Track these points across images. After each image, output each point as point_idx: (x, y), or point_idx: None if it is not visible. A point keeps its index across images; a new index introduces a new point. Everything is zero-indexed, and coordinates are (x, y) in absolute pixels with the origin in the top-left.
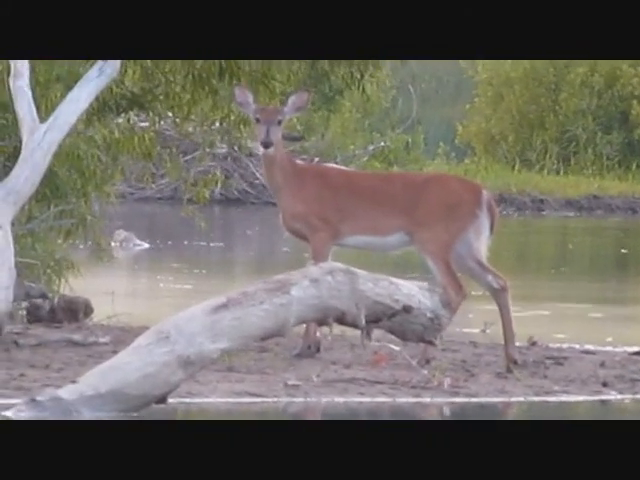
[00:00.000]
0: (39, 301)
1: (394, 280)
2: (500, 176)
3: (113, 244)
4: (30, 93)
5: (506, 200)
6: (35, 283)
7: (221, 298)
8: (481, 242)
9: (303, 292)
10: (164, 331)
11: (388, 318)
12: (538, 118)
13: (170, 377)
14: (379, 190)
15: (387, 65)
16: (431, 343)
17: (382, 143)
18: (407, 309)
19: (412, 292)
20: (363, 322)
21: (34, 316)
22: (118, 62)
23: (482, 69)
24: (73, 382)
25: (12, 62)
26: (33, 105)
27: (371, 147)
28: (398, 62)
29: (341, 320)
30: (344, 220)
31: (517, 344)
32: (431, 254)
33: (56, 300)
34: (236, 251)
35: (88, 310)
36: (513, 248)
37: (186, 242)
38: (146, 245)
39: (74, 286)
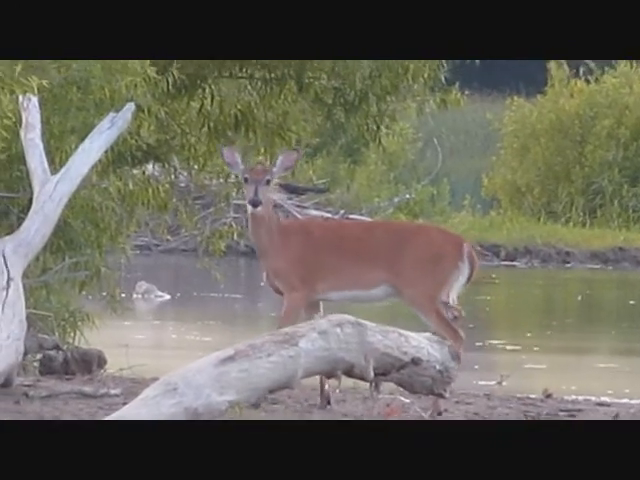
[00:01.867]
0: (52, 353)
1: (403, 332)
2: (525, 228)
3: (135, 296)
4: (41, 145)
5: (531, 252)
6: (49, 335)
7: (229, 350)
8: (453, 289)
9: (311, 344)
10: (172, 383)
11: (397, 370)
12: (564, 170)
13: None
14: (362, 243)
15: (412, 117)
16: (441, 396)
17: (407, 195)
18: (416, 361)
19: (421, 344)
20: (372, 375)
21: (47, 368)
22: (129, 114)
23: (508, 121)
24: None
25: (24, 115)
26: (44, 157)
27: (396, 199)
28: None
29: (350, 373)
30: (326, 278)
31: (532, 396)
32: (420, 308)
33: (69, 352)
34: (254, 303)
35: (101, 362)
36: (537, 300)
37: (206, 294)
38: (167, 297)
39: (90, 338)
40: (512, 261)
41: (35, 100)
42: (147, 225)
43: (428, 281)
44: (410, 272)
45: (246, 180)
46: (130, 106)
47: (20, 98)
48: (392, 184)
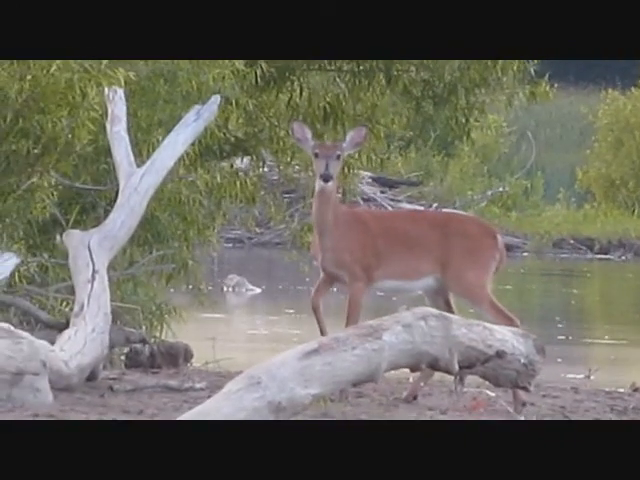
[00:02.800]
0: (139, 346)
1: (488, 325)
2: (619, 221)
3: (225, 289)
4: (127, 138)
5: (625, 245)
6: (135, 328)
7: (313, 343)
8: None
9: (395, 337)
10: (255, 376)
11: (481, 364)
12: None
13: None
14: (411, 233)
15: (507, 110)
16: (525, 389)
17: (500, 188)
18: (500, 354)
19: (505, 337)
20: (456, 368)
21: (134, 361)
22: (215, 106)
23: (602, 114)
24: None
25: (109, 107)
26: (130, 150)
27: (489, 192)
28: (521, 108)
29: (434, 366)
30: (380, 266)
31: (621, 390)
32: (473, 299)
33: (156, 346)
34: (341, 296)
35: (188, 355)
36: (630, 294)
37: (296, 287)
38: (258, 290)
39: (177, 331)
40: (606, 254)
41: (121, 92)
42: (238, 218)
43: (473, 273)
44: (457, 265)
45: (316, 155)
46: (216, 98)
47: (106, 90)
48: (485, 177)
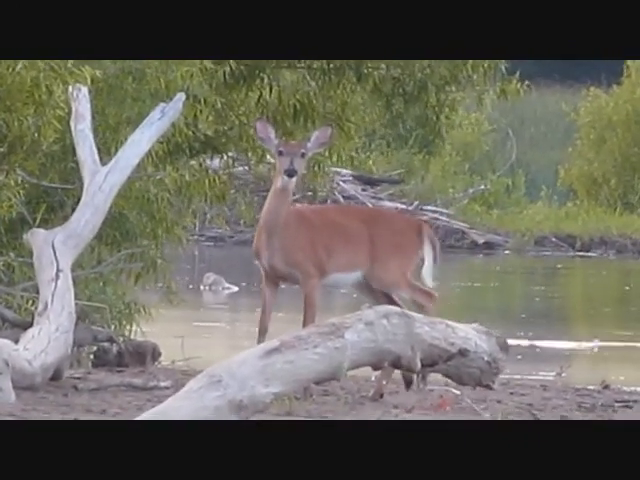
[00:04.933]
0: (106, 345)
1: (450, 323)
2: (601, 219)
3: (202, 287)
4: (91, 136)
5: (607, 243)
6: (104, 327)
7: (274, 342)
8: (425, 271)
9: (358, 336)
10: (216, 375)
11: (444, 362)
12: None
13: None
14: (347, 226)
15: (490, 108)
16: (488, 387)
17: (482, 186)
18: (463, 352)
19: (468, 335)
20: (419, 366)
21: (101, 360)
22: (180, 104)
23: (584, 112)
24: None
25: (74, 106)
26: (94, 148)
27: (471, 190)
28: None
29: (396, 364)
30: (329, 259)
31: (590, 387)
32: (392, 285)
33: (123, 344)
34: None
35: (156, 354)
36: (612, 291)
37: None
38: (235, 288)
39: (147, 330)
40: (587, 252)
41: (85, 90)
42: (209, 217)
43: (396, 263)
44: (383, 256)
45: (280, 153)
46: (181, 96)
47: (70, 88)
48: (467, 175)
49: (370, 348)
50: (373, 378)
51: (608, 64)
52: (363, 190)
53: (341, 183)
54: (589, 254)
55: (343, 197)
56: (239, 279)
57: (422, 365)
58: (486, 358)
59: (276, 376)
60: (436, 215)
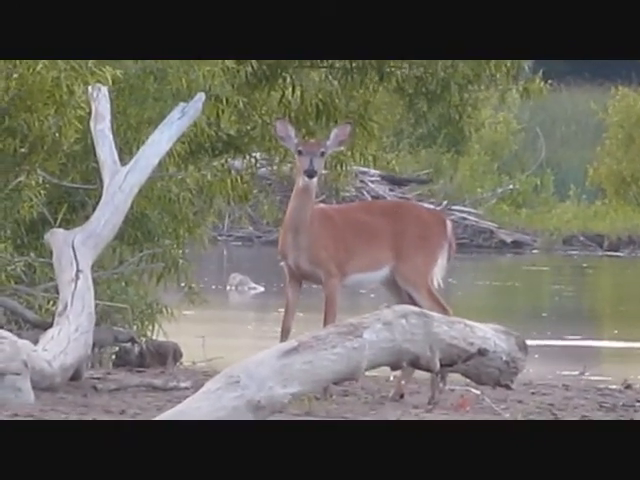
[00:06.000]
0: (128, 346)
1: (469, 323)
2: (630, 218)
3: (228, 288)
4: (111, 136)
5: (635, 242)
6: (125, 328)
7: (292, 342)
8: (438, 269)
9: (376, 336)
10: (234, 375)
11: (463, 361)
12: None
13: None
14: (369, 224)
15: (521, 107)
16: (507, 387)
17: (511, 186)
18: (482, 352)
19: (487, 335)
20: (437, 366)
21: (122, 361)
22: (200, 104)
23: (612, 111)
24: None
25: (93, 106)
26: (114, 148)
27: (500, 190)
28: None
29: (415, 364)
30: (349, 260)
31: (613, 387)
32: (413, 285)
33: (145, 345)
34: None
35: (177, 355)
36: (639, 291)
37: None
38: (261, 289)
39: (169, 330)
40: (616, 251)
41: (105, 90)
42: (235, 216)
43: (421, 258)
44: (407, 249)
45: (300, 152)
46: (201, 96)
47: (89, 88)
48: (496, 174)
49: (388, 348)
50: (392, 378)
51: (638, 63)
52: (391, 190)
53: (369, 183)
54: (617, 253)
55: (371, 197)
56: (266, 279)
57: (441, 365)
58: (505, 358)
59: (294, 376)
60: (464, 215)
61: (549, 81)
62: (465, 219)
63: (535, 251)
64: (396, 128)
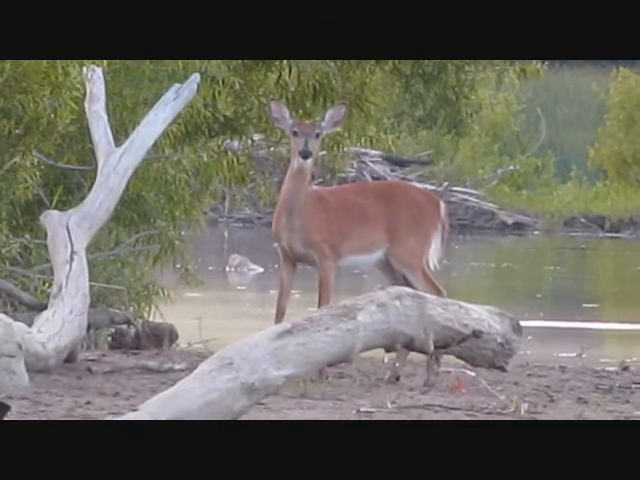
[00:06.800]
0: (124, 328)
1: (463, 304)
2: (631, 199)
3: (227, 269)
4: (105, 117)
5: (636, 223)
6: (121, 309)
7: (286, 324)
8: (432, 251)
9: (370, 317)
10: (227, 357)
11: (457, 343)
12: None
13: (233, 404)
14: (363, 206)
15: (522, 88)
16: (502, 369)
17: (511, 167)
18: (477, 334)
19: (482, 317)
20: (432, 348)
21: (118, 343)
22: (195, 85)
23: (614, 92)
24: (134, 410)
25: (88, 87)
26: (108, 129)
27: (500, 171)
28: (538, 84)
29: (409, 346)
30: (343, 242)
31: (610, 369)
32: (408, 267)
33: (140, 326)
34: (340, 276)
35: (173, 336)
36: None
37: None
38: (261, 269)
39: (165, 312)
40: (617, 232)
41: (99, 71)
42: (240, 199)
43: (415, 239)
44: (400, 231)
45: (295, 133)
46: (195, 77)
47: (84, 69)
48: (496, 156)
49: (383, 330)
50: (386, 360)
51: None
52: (392, 171)
53: (370, 164)
54: (619, 235)
55: (372, 178)
56: (265, 260)
57: (435, 347)
58: (499, 340)
59: (288, 358)
60: (465, 196)
61: (546, 62)
62: (466, 200)
63: (536, 232)
64: (396, 109)
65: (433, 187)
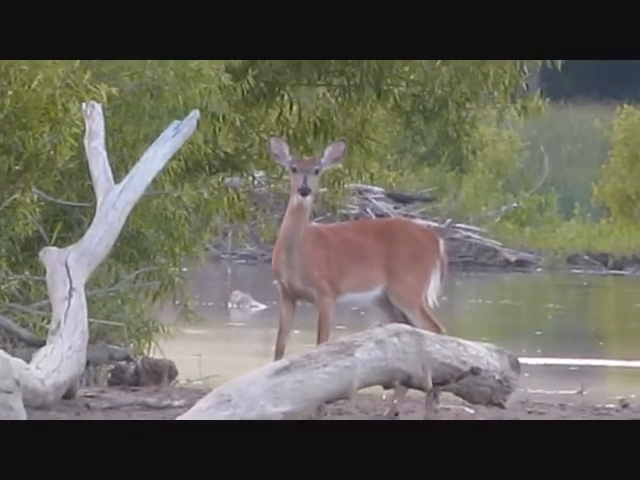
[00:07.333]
0: (123, 364)
1: (462, 341)
2: (634, 237)
3: (230, 305)
4: (105, 154)
5: (639, 261)
6: (121, 346)
7: (284, 361)
8: (431, 288)
9: (368, 354)
10: (225, 394)
11: (456, 380)
12: None
13: None
14: (362, 243)
15: (526, 125)
16: (500, 406)
17: (515, 204)
18: (475, 371)
19: (480, 353)
20: (430, 385)
21: (118, 379)
22: (194, 121)
23: (617, 129)
24: None
25: (87, 123)
26: (108, 165)
27: (504, 208)
28: (542, 121)
29: (407, 383)
30: (342, 279)
31: (610, 406)
32: (407, 304)
33: (140, 363)
34: (341, 312)
35: (172, 373)
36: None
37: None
38: (263, 306)
39: (166, 348)
40: (620, 270)
41: (99, 107)
42: (242, 236)
43: (414, 276)
44: (399, 268)
45: (294, 170)
46: (195, 113)
47: (84, 106)
48: (500, 193)
49: (381, 367)
50: (384, 397)
51: None
52: (395, 208)
53: (373, 201)
54: (622, 272)
55: (375, 215)
56: (268, 297)
57: (433, 384)
58: (497, 377)
59: (286, 395)
60: (468, 233)
61: (547, 99)
62: (469, 237)
63: (539, 270)
64: (399, 146)
65: (436, 224)
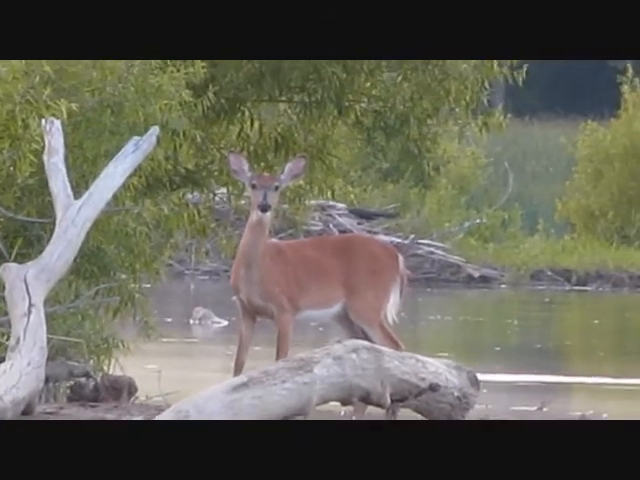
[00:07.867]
0: (82, 380)
1: (420, 358)
2: (598, 252)
3: (191, 321)
4: (64, 170)
5: (603, 277)
6: (80, 362)
7: (242, 377)
8: (391, 304)
9: (327, 370)
10: (183, 410)
11: (414, 397)
12: (638, 194)
13: None
14: (321, 260)
15: (491, 141)
16: None
17: (478, 220)
18: (434, 387)
19: (439, 370)
20: (388, 401)
21: (77, 395)
22: (154, 137)
23: (581, 145)
24: None
25: (46, 139)
26: (67, 182)
27: (467, 224)
28: (507, 138)
29: (366, 399)
30: (301, 296)
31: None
32: (366, 321)
33: (99, 379)
34: (305, 329)
35: (132, 389)
36: (608, 325)
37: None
38: (225, 322)
39: (129, 365)
40: (583, 286)
41: (58, 123)
42: (205, 252)
43: (373, 293)
44: (358, 285)
45: (254, 186)
46: (155, 130)
47: (43, 122)
48: (463, 209)
49: (339, 383)
50: (342, 413)
51: (611, 98)
52: (359, 224)
53: (336, 217)
54: (585, 288)
55: (339, 231)
56: (230, 313)
57: (392, 400)
58: (456, 393)
59: (244, 411)
60: (432, 249)
61: (511, 115)
62: (432, 253)
63: (503, 286)
64: (362, 162)
65: (400, 240)
